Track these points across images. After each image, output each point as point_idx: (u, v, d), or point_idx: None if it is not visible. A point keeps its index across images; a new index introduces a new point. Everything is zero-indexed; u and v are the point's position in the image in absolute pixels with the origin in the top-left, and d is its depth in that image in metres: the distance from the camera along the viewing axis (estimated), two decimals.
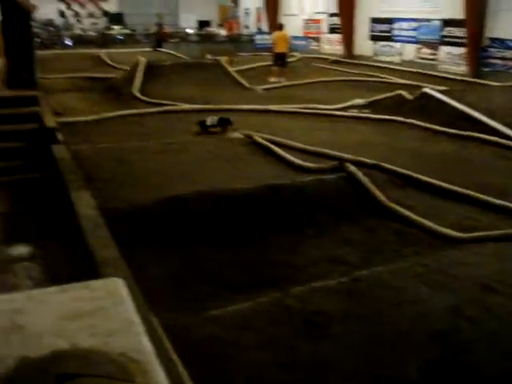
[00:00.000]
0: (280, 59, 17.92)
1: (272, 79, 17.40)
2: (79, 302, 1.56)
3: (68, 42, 29.48)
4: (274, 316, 4.25)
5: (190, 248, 5.72)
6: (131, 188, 6.79)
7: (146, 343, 1.41)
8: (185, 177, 7.29)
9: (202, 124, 10.29)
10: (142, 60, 15.99)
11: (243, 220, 6.34)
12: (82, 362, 1.31)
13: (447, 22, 20.47)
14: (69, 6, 34.28)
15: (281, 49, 17.97)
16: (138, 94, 14.03)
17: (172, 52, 25.12)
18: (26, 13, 8.11)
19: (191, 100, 13.32)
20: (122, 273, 3.54)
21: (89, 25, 34.24)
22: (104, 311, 1.52)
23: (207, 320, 4.25)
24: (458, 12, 19.27)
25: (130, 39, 31.97)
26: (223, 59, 18.21)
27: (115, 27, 33.53)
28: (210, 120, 10.38)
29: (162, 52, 25.05)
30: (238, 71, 17.38)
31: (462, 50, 19.73)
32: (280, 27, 19.27)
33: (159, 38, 28.32)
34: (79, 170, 6.50)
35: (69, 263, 4.60)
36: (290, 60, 20.33)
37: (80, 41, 30.03)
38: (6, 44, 8.21)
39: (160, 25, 29.50)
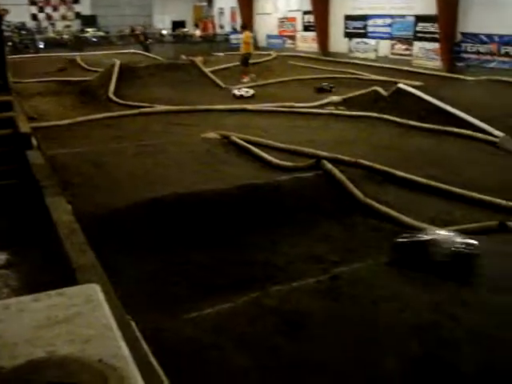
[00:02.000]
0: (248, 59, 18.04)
1: (245, 79, 17.41)
2: (55, 310, 1.55)
3: (41, 45, 29.13)
4: (253, 317, 4.25)
5: (167, 250, 5.69)
6: (108, 192, 6.74)
7: (124, 348, 1.41)
8: (162, 179, 7.25)
9: None
10: (117, 62, 15.89)
11: (221, 221, 6.32)
12: (59, 370, 1.31)
13: (420, 18, 20.66)
14: (41, 9, 33.88)
15: (250, 49, 18.13)
16: (113, 97, 13.93)
17: (146, 53, 25.00)
18: None
19: (167, 101, 13.26)
20: (98, 278, 3.52)
21: (62, 27, 33.89)
22: (81, 317, 1.51)
23: (186, 323, 4.24)
24: (430, 8, 19.46)
25: (104, 41, 31.72)
26: (198, 59, 18.18)
27: (89, 29, 33.25)
28: None
29: (137, 54, 24.89)
30: (213, 71, 17.35)
31: (435, 45, 19.94)
32: (245, 27, 19.48)
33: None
34: (54, 176, 6.44)
35: (46, 270, 4.56)
36: (266, 59, 20.48)
37: (53, 44, 29.70)
38: None
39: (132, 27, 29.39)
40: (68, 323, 1.49)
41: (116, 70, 15.31)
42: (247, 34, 18.74)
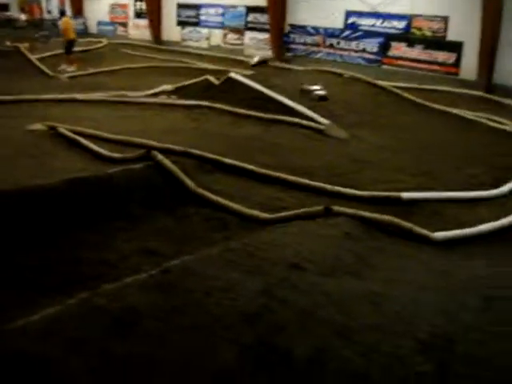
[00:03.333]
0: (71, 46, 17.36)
1: (65, 67, 16.67)
2: None
3: None
4: (83, 318, 4.04)
5: None
6: None
7: None
8: None
9: None
10: None
11: (48, 218, 5.96)
12: None
13: (251, 9, 21.11)
14: None
15: (71, 35, 17.41)
16: None
17: None
18: None
19: None
20: None
21: None
22: None
23: (11, 332, 3.93)
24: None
25: None
26: (24, 46, 17.14)
27: None
28: None
29: None
30: (39, 59, 16.44)
31: (266, 36, 20.49)
32: (62, 13, 18.75)
33: None
34: None
35: None
36: (97, 47, 19.78)
37: None
38: None
39: None
40: None
41: None
42: (66, 19, 17.99)
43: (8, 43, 19.87)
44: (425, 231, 5.98)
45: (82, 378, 3.48)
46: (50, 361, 3.60)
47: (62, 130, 8.74)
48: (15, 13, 33.23)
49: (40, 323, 4.05)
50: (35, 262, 5.26)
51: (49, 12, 33.04)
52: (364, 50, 18.11)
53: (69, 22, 17.60)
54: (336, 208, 6.14)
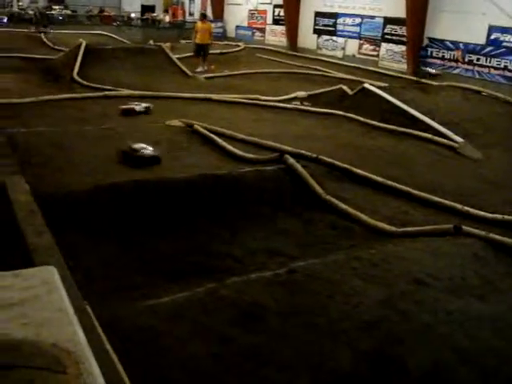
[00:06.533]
0: (202, 50, 17.71)
1: (198, 69, 17.19)
2: (10, 291, 1.52)
3: (3, 20, 28.37)
4: (209, 307, 4.24)
5: (126, 236, 5.64)
6: (68, 174, 6.64)
7: (79, 333, 1.40)
8: None
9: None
10: (83, 42, 15.62)
11: (183, 209, 6.30)
12: (13, 353, 1.29)
13: (389, 20, 20.89)
14: None
15: (202, 40, 17.69)
16: (78, 78, 13.71)
17: (114, 36, 24.64)
18: None
19: (132, 86, 13.10)
20: (55, 261, 3.47)
21: (27, 3, 33.10)
22: (36, 300, 1.49)
23: (142, 310, 4.20)
24: (400, 11, 19.68)
25: (71, 20, 31.12)
26: (166, 46, 18.01)
27: (56, 7, 32.57)
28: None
29: (104, 35, 24.50)
30: (180, 58, 17.21)
31: (402, 48, 20.19)
32: (203, 17, 19.14)
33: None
34: (14, 155, 6.31)
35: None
36: (233, 50, 20.36)
37: (17, 19, 28.98)
38: None
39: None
40: (23, 305, 1.47)
41: (82, 50, 15.05)
42: (197, 24, 18.49)
43: (151, 42, 21.02)
44: None
45: (204, 361, 3.67)
46: (176, 340, 3.83)
47: (198, 127, 9.14)
48: (160, 14, 35.00)
49: (169, 306, 4.32)
50: (168, 250, 5.58)
51: (191, 14, 34.51)
52: (505, 68, 17.32)
53: (198, 26, 18.12)
54: (466, 228, 5.97)
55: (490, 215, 6.83)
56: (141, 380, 3.26)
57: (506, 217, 6.83)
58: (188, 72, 16.15)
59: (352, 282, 4.70)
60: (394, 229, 6.10)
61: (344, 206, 6.52)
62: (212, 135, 8.70)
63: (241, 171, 7.08)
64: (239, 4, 29.56)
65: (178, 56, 17.34)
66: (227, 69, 17.50)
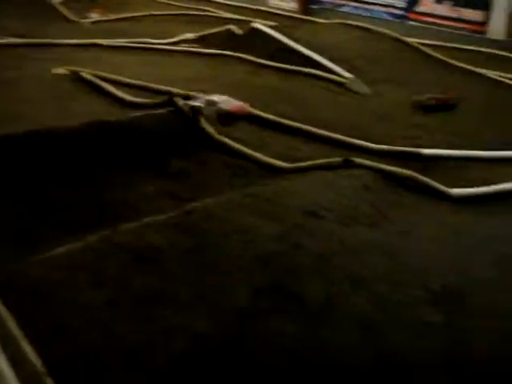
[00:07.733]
0: None
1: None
2: None
3: None
4: (103, 253, 4.17)
5: (19, 190, 5.39)
6: None
7: None
8: (14, 115, 6.78)
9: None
10: None
11: (75, 159, 6.07)
12: None
13: None
14: None
15: None
16: None
17: None
18: None
19: (15, 34, 12.27)
20: None
21: None
22: None
23: (35, 263, 4.08)
24: None
25: None
26: None
27: None
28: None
29: None
30: (62, 3, 16.34)
31: None
32: None
33: None
34: None
35: None
36: None
37: None
38: None
39: None
40: None
41: None
42: None
43: None
44: (443, 187, 6.00)
45: (103, 307, 3.63)
46: (71, 289, 3.76)
47: (84, 74, 8.77)
48: None
49: (63, 256, 4.21)
50: (63, 201, 5.40)
51: None
52: (391, 5, 17.70)
53: None
54: (357, 160, 6.18)
55: (378, 146, 7.11)
56: (33, 332, 3.17)
57: (393, 147, 7.14)
58: (72, 17, 15.35)
59: (247, 219, 4.76)
60: (286, 164, 6.22)
61: (237, 146, 6.54)
62: (98, 81, 8.38)
63: (131, 116, 6.90)
64: None
65: (60, 1, 16.42)
66: (114, 13, 16.78)
